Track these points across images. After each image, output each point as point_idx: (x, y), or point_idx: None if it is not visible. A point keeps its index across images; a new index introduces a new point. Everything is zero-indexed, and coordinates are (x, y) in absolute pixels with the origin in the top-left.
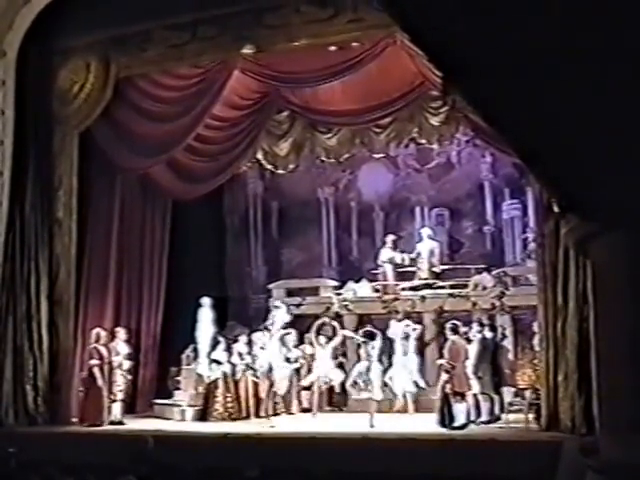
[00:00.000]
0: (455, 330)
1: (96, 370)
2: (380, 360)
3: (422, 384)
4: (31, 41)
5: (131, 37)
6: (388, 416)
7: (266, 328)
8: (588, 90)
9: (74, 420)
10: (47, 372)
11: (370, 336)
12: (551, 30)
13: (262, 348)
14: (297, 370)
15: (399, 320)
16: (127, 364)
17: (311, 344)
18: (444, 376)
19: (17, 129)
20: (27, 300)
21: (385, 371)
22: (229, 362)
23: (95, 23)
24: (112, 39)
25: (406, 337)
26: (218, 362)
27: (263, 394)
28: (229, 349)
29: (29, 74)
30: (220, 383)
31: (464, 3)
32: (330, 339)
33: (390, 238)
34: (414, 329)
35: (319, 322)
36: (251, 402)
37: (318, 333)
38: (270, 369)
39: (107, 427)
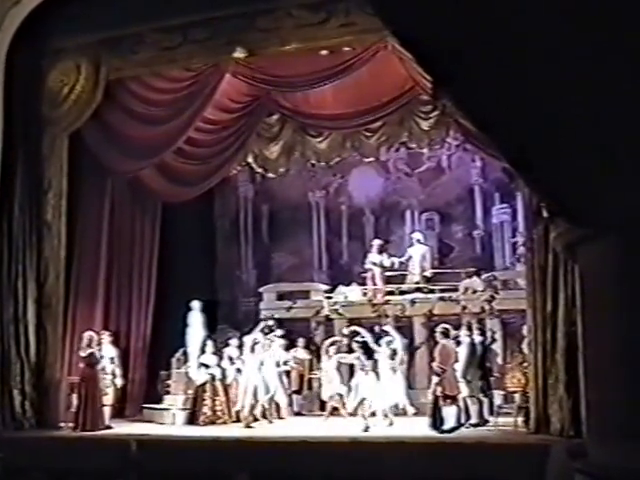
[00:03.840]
0: (445, 334)
1: (91, 376)
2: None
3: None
4: (21, 42)
5: (122, 39)
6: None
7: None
8: (576, 96)
9: (62, 425)
10: (34, 376)
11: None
12: (541, 35)
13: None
14: (287, 373)
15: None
16: (114, 368)
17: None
18: (435, 379)
19: (6, 131)
20: (14, 303)
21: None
22: (218, 366)
23: (86, 24)
24: (103, 41)
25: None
26: (206, 366)
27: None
28: (218, 352)
29: (18, 75)
30: (208, 387)
31: (454, 9)
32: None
33: (376, 242)
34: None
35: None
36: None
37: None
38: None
39: (95, 432)
